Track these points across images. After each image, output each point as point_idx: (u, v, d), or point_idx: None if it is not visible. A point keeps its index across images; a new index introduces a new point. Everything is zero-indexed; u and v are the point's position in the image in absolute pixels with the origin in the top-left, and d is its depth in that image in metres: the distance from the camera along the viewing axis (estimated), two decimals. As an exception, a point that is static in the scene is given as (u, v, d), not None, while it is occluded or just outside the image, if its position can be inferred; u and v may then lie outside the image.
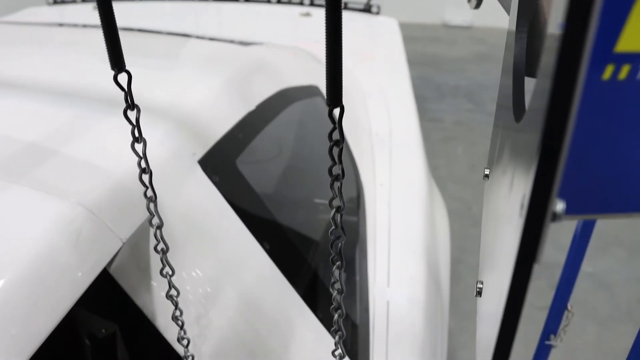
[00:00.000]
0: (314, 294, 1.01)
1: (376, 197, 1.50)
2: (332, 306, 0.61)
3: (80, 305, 1.01)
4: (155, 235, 0.63)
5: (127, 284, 0.72)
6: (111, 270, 0.71)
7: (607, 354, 2.75)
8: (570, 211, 0.33)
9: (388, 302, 1.20)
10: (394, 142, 1.76)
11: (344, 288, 0.61)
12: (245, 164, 1.03)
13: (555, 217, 0.26)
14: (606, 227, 3.37)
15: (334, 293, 0.60)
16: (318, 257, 1.18)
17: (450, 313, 2.87)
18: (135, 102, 0.57)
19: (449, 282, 1.58)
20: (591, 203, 0.32)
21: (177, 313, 0.70)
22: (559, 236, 3.48)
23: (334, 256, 0.56)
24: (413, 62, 2.45)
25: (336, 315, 0.62)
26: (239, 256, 0.85)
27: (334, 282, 0.59)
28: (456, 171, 3.85)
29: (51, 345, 1.08)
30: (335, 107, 0.48)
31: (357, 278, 1.25)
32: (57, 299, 0.58)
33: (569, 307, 1.34)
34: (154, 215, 0.62)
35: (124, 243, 0.68)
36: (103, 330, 1.00)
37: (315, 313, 0.97)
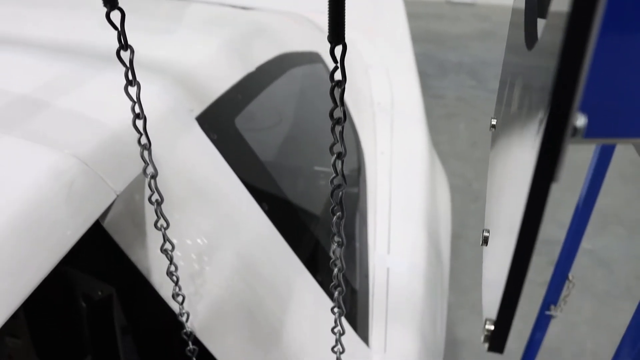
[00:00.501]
0: (314, 258, 1.00)
1: (377, 165, 1.48)
2: (332, 260, 0.60)
3: (76, 268, 1.00)
4: (149, 185, 0.61)
5: (122, 240, 0.71)
6: (105, 225, 0.69)
7: (605, 329, 2.75)
8: (590, 134, 0.31)
9: (388, 269, 1.19)
10: (395, 112, 1.74)
11: (344, 240, 0.59)
12: (246, 132, 1.01)
13: (576, 131, 0.24)
14: (606, 205, 3.36)
15: (334, 246, 0.59)
16: (318, 225, 1.16)
17: (450, 288, 2.87)
18: (134, 61, 0.55)
19: (449, 251, 1.57)
20: (611, 126, 0.30)
21: (172, 268, 0.68)
22: (559, 214, 3.47)
23: (334, 206, 0.55)
24: (416, 39, 2.41)
25: (336, 270, 0.60)
26: (237, 214, 0.83)
27: (334, 235, 0.58)
28: (458, 147, 3.83)
29: (47, 307, 1.07)
30: (338, 44, 0.45)
31: (357, 245, 1.24)
32: (49, 248, 0.56)
33: (570, 277, 1.33)
34: (147, 164, 0.60)
35: (117, 195, 0.66)
36: (99, 293, 0.99)
37: (315, 277, 0.96)
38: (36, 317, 1.08)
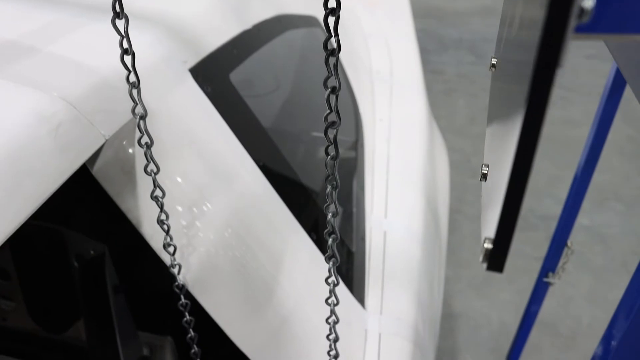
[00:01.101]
0: (309, 217, 0.98)
1: (375, 131, 1.46)
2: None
3: (69, 227, 0.98)
4: (138, 126, 0.59)
5: (111, 188, 0.69)
6: (94, 172, 0.68)
7: (601, 304, 2.76)
8: (596, 28, 0.29)
9: (385, 233, 1.17)
10: (394, 80, 1.72)
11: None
12: (245, 98, 0.99)
13: (583, 14, 0.22)
14: (605, 181, 3.35)
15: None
16: (314, 186, 1.14)
17: (447, 262, 2.87)
18: (126, 11, 0.53)
19: (447, 218, 1.56)
20: (619, 20, 0.28)
21: (163, 216, 0.66)
22: (556, 190, 3.46)
23: (329, 145, 0.53)
24: (416, 14, 2.38)
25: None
26: (231, 167, 0.81)
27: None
28: (456, 123, 3.80)
29: (40, 269, 1.05)
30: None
31: (354, 210, 1.22)
32: (34, 187, 0.55)
33: (569, 244, 1.32)
34: (136, 104, 0.58)
35: (106, 140, 0.64)
36: (91, 252, 0.97)
37: (310, 235, 0.94)
38: (29, 279, 1.07)
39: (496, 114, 0.47)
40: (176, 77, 0.79)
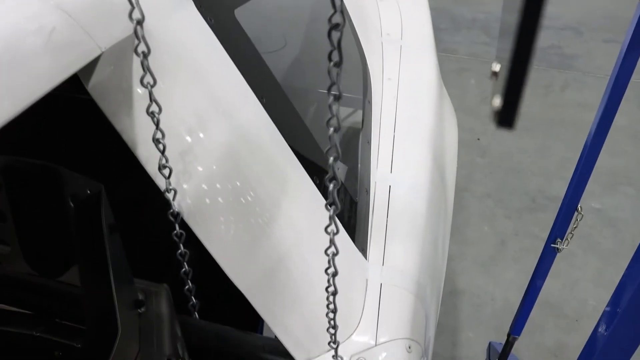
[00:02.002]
0: (311, 162, 0.95)
1: (383, 90, 1.42)
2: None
3: (65, 166, 0.96)
4: (135, 32, 0.56)
5: (107, 106, 0.66)
6: (90, 88, 0.65)
7: (608, 287, 2.72)
8: None
9: (390, 187, 1.14)
10: (404, 43, 1.68)
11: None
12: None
13: None
14: (617, 166, 3.30)
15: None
16: (317, 136, 1.11)
17: (453, 240, 2.84)
18: None
19: (454, 180, 1.53)
20: None
21: (159, 135, 0.64)
22: (567, 172, 3.42)
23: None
24: (430, -8, 2.34)
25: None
26: (232, 99, 0.79)
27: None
28: (467, 102, 3.75)
29: (36, 212, 1.03)
30: None
31: (359, 165, 1.19)
32: (21, 85, 0.52)
33: (579, 208, 1.28)
34: (133, 7, 0.55)
35: (102, 53, 0.62)
36: (88, 191, 0.95)
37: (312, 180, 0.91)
38: (25, 221, 1.05)
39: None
40: (179, 2, 0.76)
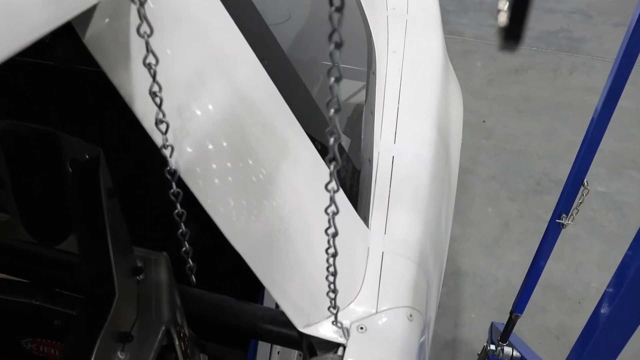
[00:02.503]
0: (312, 127, 0.94)
1: (388, 62, 1.40)
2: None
3: (63, 130, 0.94)
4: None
5: (104, 60, 0.65)
6: (86, 41, 0.63)
7: (611, 270, 2.70)
8: None
9: (393, 157, 1.13)
10: (410, 17, 1.66)
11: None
12: None
13: None
14: (623, 149, 3.27)
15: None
16: (319, 105, 1.09)
17: (456, 221, 2.83)
18: None
19: (459, 156, 1.51)
20: None
21: (155, 88, 0.62)
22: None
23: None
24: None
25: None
26: (232, 56, 0.77)
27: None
28: (473, 84, 3.72)
29: (35, 178, 1.02)
30: None
31: (362, 135, 1.18)
32: (13, 33, 0.50)
33: (585, 183, 1.26)
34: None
35: (98, 2, 0.60)
36: (87, 156, 0.93)
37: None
38: (23, 187, 1.04)
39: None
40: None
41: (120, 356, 0.85)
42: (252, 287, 1.28)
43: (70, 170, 0.94)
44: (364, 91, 1.47)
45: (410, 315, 0.89)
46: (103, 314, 0.82)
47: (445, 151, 1.30)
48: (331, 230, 0.66)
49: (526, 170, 3.15)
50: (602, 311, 1.13)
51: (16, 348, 1.19)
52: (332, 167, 0.59)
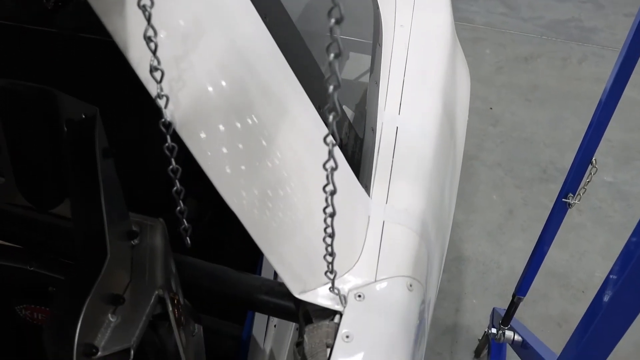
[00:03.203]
0: (314, 89, 0.91)
1: (394, 36, 1.37)
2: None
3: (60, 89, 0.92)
4: None
5: (99, 5, 0.62)
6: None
7: (614, 260, 2.68)
8: None
9: (397, 128, 1.10)
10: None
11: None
12: None
13: None
14: (631, 140, 3.23)
15: (330, 88, 0.51)
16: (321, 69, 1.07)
17: (461, 207, 2.80)
18: None
19: (464, 133, 1.48)
20: None
21: (150, 32, 0.59)
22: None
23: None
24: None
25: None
26: (233, 10, 0.74)
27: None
28: (482, 71, 3.68)
29: (31, 141, 1.00)
30: None
31: (367, 105, 1.15)
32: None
33: (594, 161, 1.23)
34: None
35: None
36: (83, 115, 0.91)
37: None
38: (20, 150, 1.02)
39: None
40: None
41: (111, 318, 0.83)
42: (250, 259, 1.26)
43: (66, 129, 0.92)
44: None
45: (410, 285, 0.86)
46: (94, 274, 0.80)
47: (450, 126, 1.27)
48: (329, 188, 0.64)
49: (532, 158, 3.11)
50: (604, 297, 1.11)
51: (10, 315, 1.18)
52: (331, 117, 0.56)
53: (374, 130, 1.06)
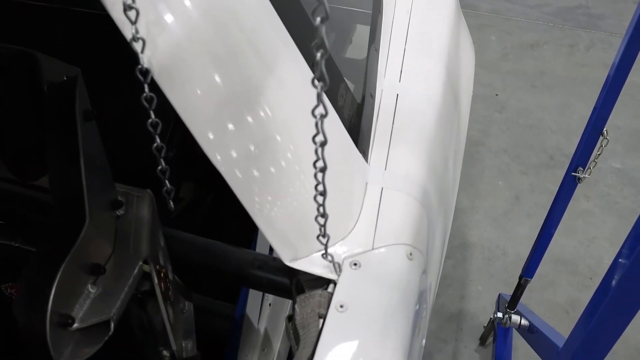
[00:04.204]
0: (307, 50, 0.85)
1: (396, 3, 1.32)
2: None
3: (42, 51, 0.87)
4: None
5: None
6: None
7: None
8: None
9: (397, 95, 1.05)
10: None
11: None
12: None
13: None
14: (641, 126, 3.16)
15: (318, 55, 0.46)
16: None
17: (465, 193, 2.74)
18: None
19: (469, 108, 1.42)
20: None
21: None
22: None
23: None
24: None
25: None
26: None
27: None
28: (487, 58, 3.61)
29: (10, 104, 0.95)
30: None
31: (366, 72, 1.09)
32: None
33: (604, 132, 1.17)
34: None
35: None
36: (65, 77, 0.86)
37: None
38: (0, 119, 0.97)
39: None
40: None
41: (90, 289, 0.78)
42: (244, 235, 1.21)
43: (46, 90, 0.87)
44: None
45: (410, 254, 0.81)
46: (71, 240, 0.75)
47: (454, 95, 1.22)
48: (319, 138, 0.58)
49: (539, 144, 3.05)
50: (611, 281, 1.07)
51: (-4, 294, 1.13)
52: (318, 55, 0.51)
53: (372, 96, 1.01)
